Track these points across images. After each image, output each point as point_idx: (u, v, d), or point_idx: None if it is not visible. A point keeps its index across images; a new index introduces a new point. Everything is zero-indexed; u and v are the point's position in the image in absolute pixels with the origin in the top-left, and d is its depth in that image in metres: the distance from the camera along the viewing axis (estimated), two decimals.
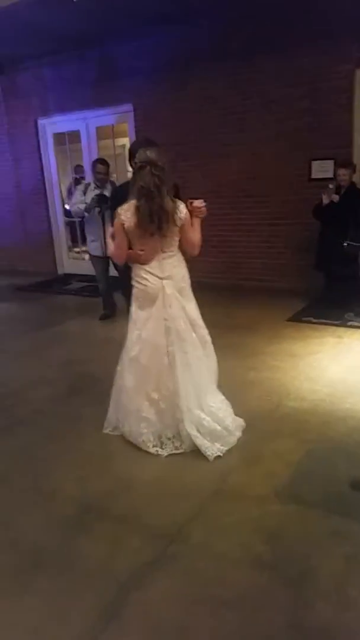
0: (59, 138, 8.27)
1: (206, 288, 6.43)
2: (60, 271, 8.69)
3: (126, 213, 2.94)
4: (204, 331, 3.22)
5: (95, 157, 7.46)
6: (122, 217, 2.95)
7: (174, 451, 3.01)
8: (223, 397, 3.24)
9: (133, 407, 3.09)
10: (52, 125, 8.20)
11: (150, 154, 2.93)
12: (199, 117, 6.54)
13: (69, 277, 8.30)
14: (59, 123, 8.08)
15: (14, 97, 8.25)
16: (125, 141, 8.16)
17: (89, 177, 7.49)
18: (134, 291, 3.12)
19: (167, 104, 6.75)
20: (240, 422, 3.21)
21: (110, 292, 5.79)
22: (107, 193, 5.37)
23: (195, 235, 3.06)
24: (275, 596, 2.00)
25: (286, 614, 1.92)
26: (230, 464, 2.91)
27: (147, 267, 3.04)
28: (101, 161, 5.61)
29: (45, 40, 6.79)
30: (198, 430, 3.00)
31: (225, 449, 2.98)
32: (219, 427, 3.03)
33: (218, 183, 6.57)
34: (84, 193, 5.50)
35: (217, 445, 2.98)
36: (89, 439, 3.28)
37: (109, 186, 5.52)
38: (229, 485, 2.73)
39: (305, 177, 5.94)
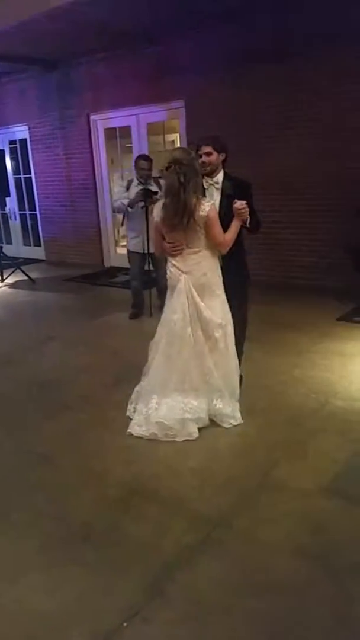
0: (110, 133, 8.41)
1: (254, 285, 6.41)
2: (107, 264, 8.84)
3: (157, 210, 3.21)
4: (220, 333, 3.22)
5: (146, 152, 7.58)
6: (154, 213, 3.25)
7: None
8: (191, 405, 3.18)
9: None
10: (103, 121, 8.35)
11: (176, 153, 3.12)
12: (250, 114, 6.50)
13: (115, 270, 8.44)
14: (111, 118, 8.23)
15: (67, 92, 8.43)
16: (176, 137, 8.22)
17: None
18: None
19: (218, 100, 6.75)
20: (191, 430, 3.16)
21: (141, 290, 5.82)
22: (151, 188, 5.37)
23: (221, 235, 3.14)
24: (320, 586, 2.01)
25: (331, 605, 1.92)
26: (275, 458, 2.92)
27: (173, 260, 3.24)
28: (144, 157, 5.61)
29: (99, 37, 6.91)
30: (147, 410, 3.22)
31: (145, 434, 3.16)
32: (152, 415, 3.18)
33: (268, 179, 6.51)
34: (127, 189, 5.50)
35: (143, 428, 3.19)
36: None
37: (151, 182, 5.50)
38: (273, 478, 2.75)
39: None
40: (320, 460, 2.87)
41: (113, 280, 7.89)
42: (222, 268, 3.29)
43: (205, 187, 3.34)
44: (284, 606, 1.94)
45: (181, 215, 3.03)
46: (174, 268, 3.23)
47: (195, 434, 3.17)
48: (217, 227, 3.11)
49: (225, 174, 3.42)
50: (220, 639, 1.83)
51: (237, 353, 3.42)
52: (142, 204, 5.32)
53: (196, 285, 3.17)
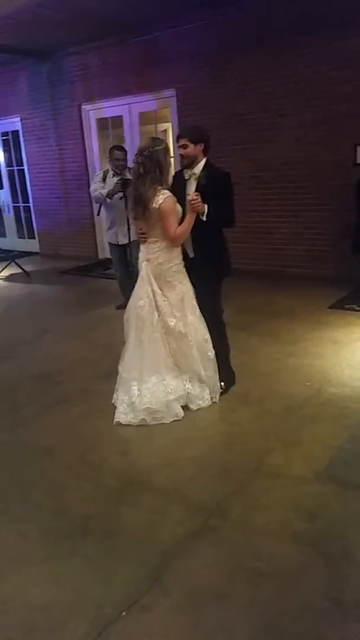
0: (102, 123, 8.35)
1: (247, 274, 6.51)
2: (101, 255, 8.83)
3: (130, 196, 3.30)
4: (174, 322, 3.26)
5: (137, 142, 7.53)
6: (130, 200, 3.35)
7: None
8: (171, 386, 3.25)
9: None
10: (95, 111, 8.29)
11: (142, 143, 3.18)
12: (241, 102, 6.48)
13: (109, 262, 8.40)
14: (103, 108, 8.17)
15: (58, 83, 8.37)
16: (167, 126, 8.17)
17: None
18: None
19: (209, 88, 6.71)
20: (176, 410, 3.26)
21: (126, 280, 5.77)
22: (130, 178, 5.26)
23: (172, 227, 3.14)
24: (314, 570, 2.05)
25: (325, 588, 1.97)
26: (269, 446, 2.95)
27: (142, 246, 3.35)
28: (119, 147, 5.55)
29: (89, 27, 6.84)
30: (129, 398, 3.28)
31: (134, 422, 3.23)
32: (136, 403, 3.24)
33: (260, 168, 6.52)
34: (103, 180, 5.45)
35: (130, 416, 3.26)
36: None
37: (127, 172, 5.39)
38: (267, 465, 2.78)
39: (351, 162, 5.82)
40: (314, 447, 2.91)
41: (107, 271, 7.87)
42: (190, 260, 3.33)
43: (187, 177, 3.36)
44: (280, 592, 1.98)
45: (136, 205, 3.12)
46: (141, 254, 3.33)
47: (181, 414, 3.26)
48: (169, 220, 3.12)
49: (206, 163, 3.35)
50: (217, 625, 1.87)
51: (219, 346, 3.45)
52: (121, 194, 5.21)
53: (154, 274, 3.25)
